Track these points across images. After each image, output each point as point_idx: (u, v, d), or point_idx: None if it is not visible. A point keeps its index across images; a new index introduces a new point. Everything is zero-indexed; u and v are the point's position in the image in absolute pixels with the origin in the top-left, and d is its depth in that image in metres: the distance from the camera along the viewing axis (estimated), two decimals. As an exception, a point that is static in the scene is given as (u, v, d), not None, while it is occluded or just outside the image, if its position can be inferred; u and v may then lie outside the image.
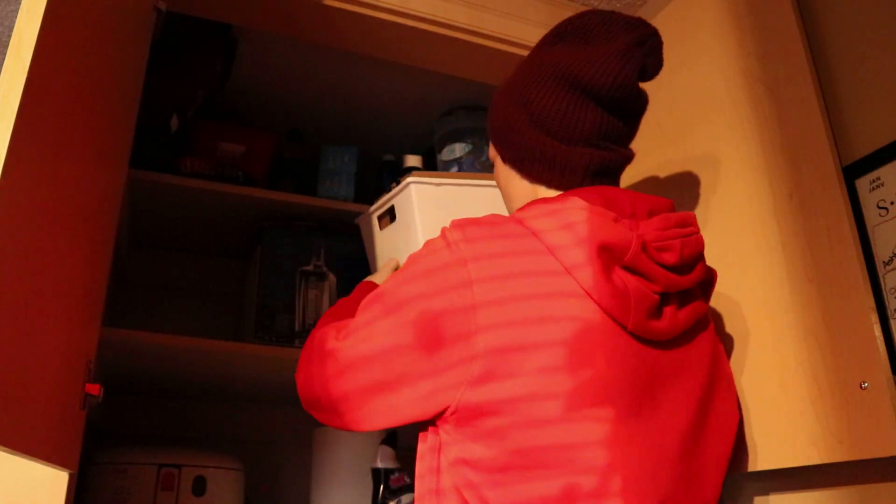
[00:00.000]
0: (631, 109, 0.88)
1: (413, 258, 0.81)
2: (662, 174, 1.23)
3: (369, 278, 1.13)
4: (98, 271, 0.86)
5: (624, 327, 0.77)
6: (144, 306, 1.62)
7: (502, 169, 0.94)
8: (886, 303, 0.87)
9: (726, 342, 1.04)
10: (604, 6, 1.52)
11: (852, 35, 0.97)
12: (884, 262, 0.89)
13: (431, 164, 1.67)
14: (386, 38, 1.35)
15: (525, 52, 1.41)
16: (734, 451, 0.99)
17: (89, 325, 0.84)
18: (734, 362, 1.02)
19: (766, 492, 1.03)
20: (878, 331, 0.85)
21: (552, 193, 0.88)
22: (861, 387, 0.84)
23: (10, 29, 1.48)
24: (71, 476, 0.92)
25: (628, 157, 0.90)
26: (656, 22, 1.30)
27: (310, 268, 1.41)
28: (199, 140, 1.45)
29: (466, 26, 1.35)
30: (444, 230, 0.79)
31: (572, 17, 0.90)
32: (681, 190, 1.18)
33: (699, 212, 1.13)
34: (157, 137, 1.32)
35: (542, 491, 0.71)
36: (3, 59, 0.54)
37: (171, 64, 1.33)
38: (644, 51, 0.86)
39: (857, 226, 0.91)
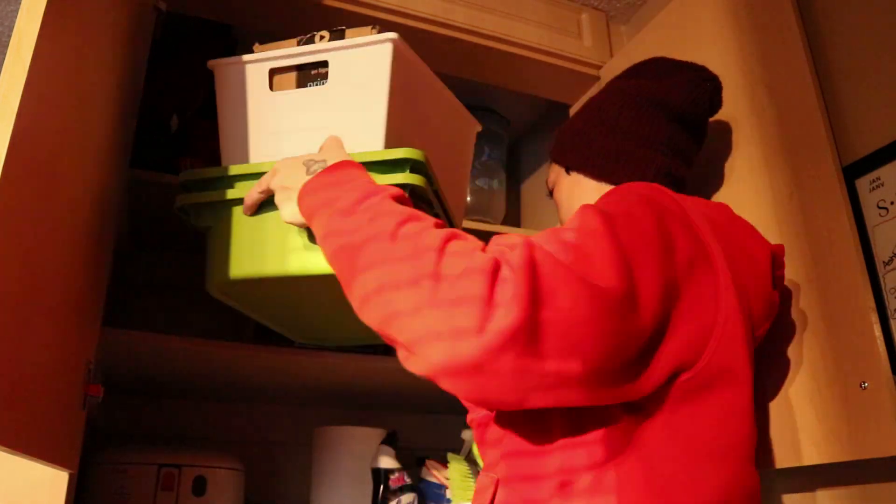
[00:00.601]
0: (697, 130, 0.99)
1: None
2: (662, 174, 1.23)
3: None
4: (98, 271, 0.86)
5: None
6: (144, 306, 1.62)
7: (567, 180, 0.99)
8: (886, 303, 0.87)
9: (726, 342, 1.04)
10: (603, 6, 1.52)
11: (852, 35, 0.97)
12: (884, 262, 0.89)
13: (431, 164, 1.67)
14: (386, 38, 1.35)
15: (525, 52, 1.42)
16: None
17: (89, 325, 0.84)
18: (734, 362, 1.02)
19: (766, 492, 1.03)
20: (878, 331, 0.85)
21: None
22: (861, 387, 0.84)
23: (10, 29, 1.48)
24: (71, 476, 0.92)
25: (682, 175, 0.96)
26: (656, 22, 1.30)
27: (310, 268, 1.41)
28: (199, 140, 1.45)
29: (466, 26, 1.35)
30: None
31: (644, 61, 1.04)
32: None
33: (699, 212, 1.13)
34: (157, 137, 1.32)
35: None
36: (4, 58, 0.54)
37: (171, 64, 1.33)
38: (714, 86, 1.00)
39: (857, 226, 0.91)
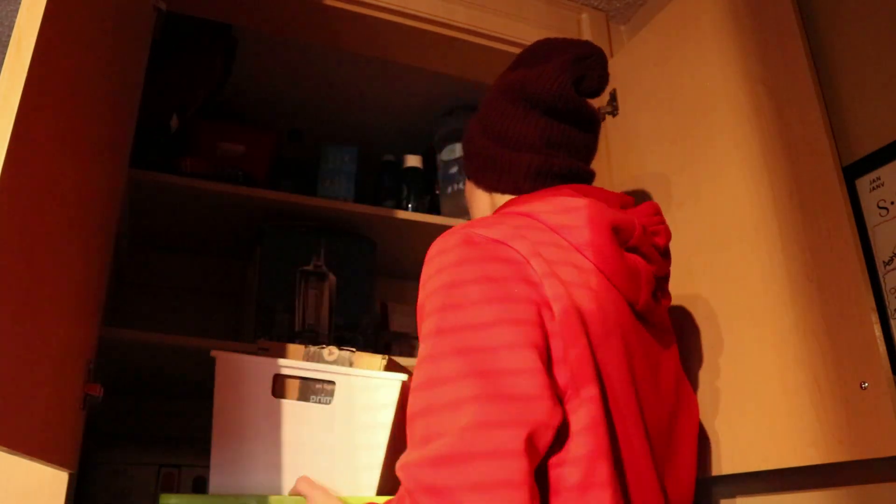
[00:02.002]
0: (572, 113, 0.91)
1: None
2: (662, 174, 1.23)
3: None
4: (98, 271, 0.86)
5: (633, 306, 0.80)
6: (144, 306, 1.62)
7: (468, 187, 0.99)
8: (886, 303, 0.87)
9: (726, 342, 1.04)
10: (603, 6, 1.52)
11: (852, 35, 0.97)
12: (884, 262, 0.89)
13: (431, 164, 1.67)
14: (386, 38, 1.35)
15: (525, 52, 1.41)
16: (734, 450, 0.99)
17: (89, 325, 0.84)
18: (734, 362, 1.02)
19: (766, 492, 1.03)
20: (878, 331, 0.85)
21: (506, 198, 0.92)
22: (861, 387, 0.84)
23: (10, 29, 1.48)
24: (71, 476, 0.92)
25: (581, 168, 0.92)
26: (656, 22, 1.30)
27: (310, 268, 1.41)
28: (199, 140, 1.45)
29: (466, 26, 1.35)
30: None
31: (528, 47, 0.99)
32: (681, 190, 1.18)
33: (699, 211, 1.13)
34: (157, 137, 1.32)
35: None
36: (4, 58, 0.54)
37: (171, 64, 1.33)
38: (585, 65, 0.93)
39: (857, 226, 0.91)
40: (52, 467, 0.75)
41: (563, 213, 0.78)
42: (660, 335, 0.87)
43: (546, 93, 0.89)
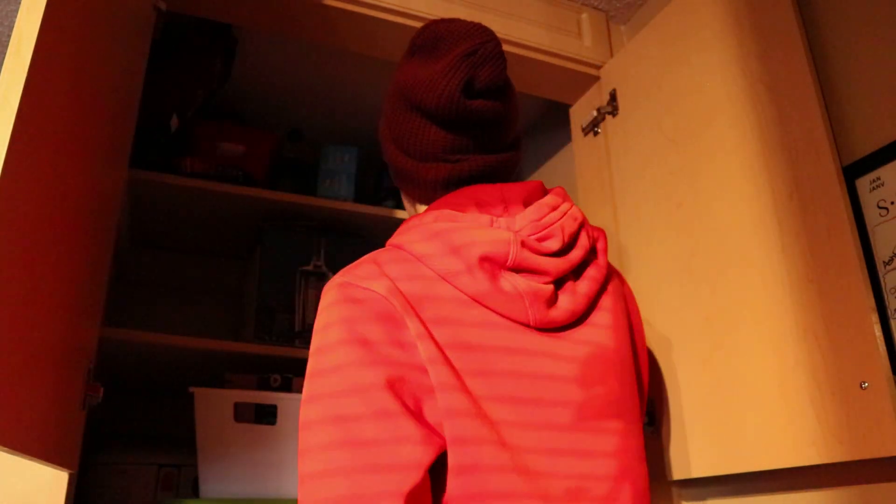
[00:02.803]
0: (470, 122, 0.84)
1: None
2: (662, 174, 1.23)
3: None
4: (98, 271, 0.86)
5: (525, 325, 0.78)
6: (144, 306, 1.62)
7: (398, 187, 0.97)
8: (886, 303, 0.87)
9: (726, 342, 1.04)
10: (603, 6, 1.52)
11: (852, 35, 0.97)
12: (884, 262, 0.89)
13: (431, 164, 1.66)
14: (386, 38, 1.35)
15: (525, 52, 1.41)
16: (734, 450, 0.99)
17: (89, 325, 0.84)
18: (734, 363, 1.02)
19: (766, 492, 1.03)
20: (878, 331, 0.85)
21: (424, 208, 0.90)
22: (861, 387, 0.84)
23: (10, 29, 1.48)
24: (71, 476, 0.92)
25: (490, 162, 0.87)
26: (656, 21, 1.30)
27: (310, 268, 1.41)
28: (199, 140, 1.45)
29: (466, 26, 1.35)
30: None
31: (421, 29, 0.88)
32: (680, 189, 1.18)
33: (699, 211, 1.13)
34: (157, 137, 1.32)
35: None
36: (3, 58, 0.54)
37: (171, 64, 1.33)
38: (473, 62, 0.82)
39: (857, 226, 0.91)
40: (52, 467, 0.75)
41: (427, 240, 0.77)
42: (587, 330, 0.82)
43: (434, 106, 0.82)
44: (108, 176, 0.88)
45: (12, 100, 0.52)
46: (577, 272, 0.85)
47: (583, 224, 0.87)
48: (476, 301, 0.75)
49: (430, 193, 0.87)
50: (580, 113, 1.53)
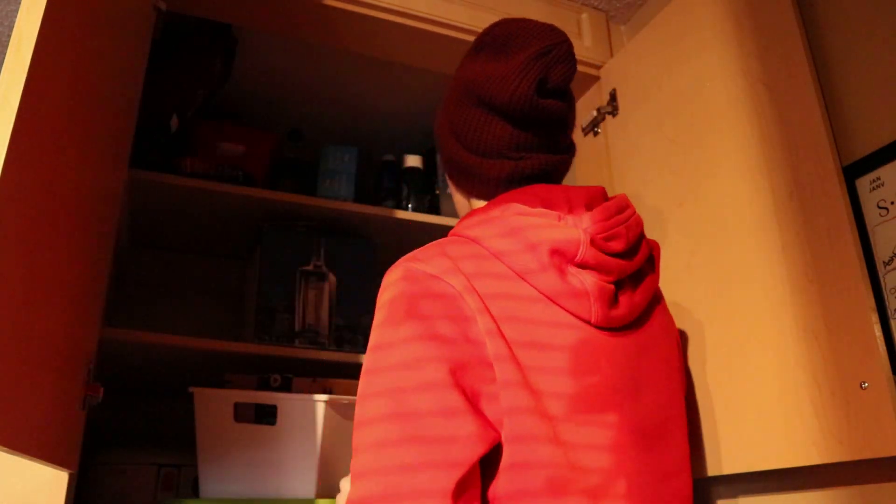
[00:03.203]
0: (538, 120, 0.86)
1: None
2: (662, 174, 1.23)
3: None
4: (98, 271, 0.86)
5: (587, 322, 0.79)
6: (144, 306, 1.62)
7: (450, 186, 0.97)
8: (886, 303, 0.87)
9: (726, 342, 1.04)
10: (603, 6, 1.52)
11: (852, 35, 0.97)
12: (884, 262, 0.89)
13: (431, 164, 1.67)
14: (386, 38, 1.35)
15: (525, 52, 1.41)
16: (734, 450, 0.99)
17: (89, 325, 0.84)
18: (734, 363, 1.02)
19: (766, 492, 1.03)
20: (878, 331, 0.85)
21: (482, 203, 0.91)
22: (861, 387, 0.84)
23: (10, 29, 1.48)
24: (71, 476, 0.92)
25: (552, 161, 0.89)
26: (656, 22, 1.30)
27: (310, 268, 1.41)
28: (199, 140, 1.45)
29: (466, 26, 1.35)
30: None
31: (490, 27, 0.90)
32: (681, 189, 1.18)
33: (699, 211, 1.13)
34: (157, 137, 1.32)
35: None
36: (4, 58, 0.54)
37: (171, 64, 1.33)
38: (547, 61, 0.85)
39: (857, 226, 0.91)
40: (52, 467, 0.75)
41: (505, 237, 0.78)
42: (639, 336, 0.84)
43: (506, 101, 0.83)
44: (108, 176, 0.88)
45: (12, 100, 0.52)
46: (633, 277, 0.87)
47: (642, 233, 0.89)
48: (548, 298, 0.77)
49: (490, 189, 0.88)
50: (580, 113, 1.53)
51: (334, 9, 1.27)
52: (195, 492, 1.27)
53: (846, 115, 0.96)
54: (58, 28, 0.59)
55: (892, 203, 0.89)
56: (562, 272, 0.77)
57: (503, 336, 0.72)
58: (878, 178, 0.91)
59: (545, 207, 0.83)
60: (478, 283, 0.74)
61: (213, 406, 1.15)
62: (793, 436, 0.91)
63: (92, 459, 1.27)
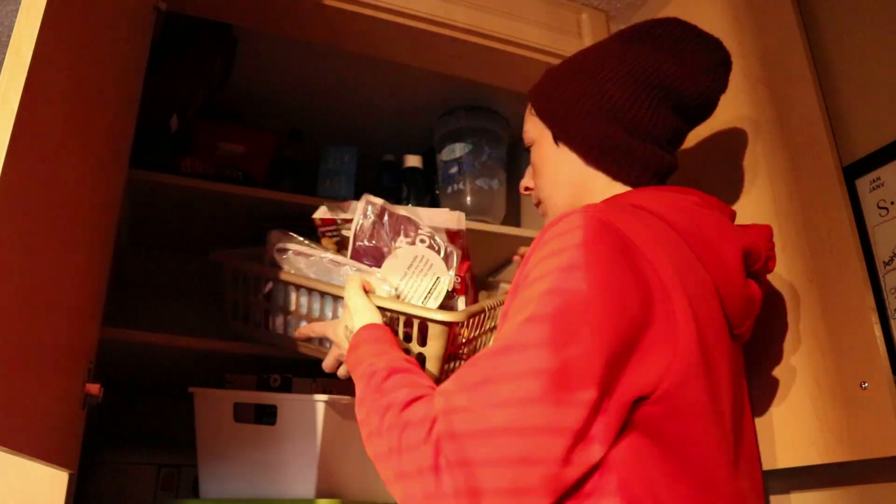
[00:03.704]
0: (699, 120, 0.91)
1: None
2: (662, 174, 1.23)
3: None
4: (98, 271, 0.86)
5: (731, 329, 0.78)
6: (144, 306, 1.62)
7: (552, 150, 0.91)
8: (886, 303, 0.87)
9: (726, 342, 1.04)
10: (603, 6, 1.52)
11: (852, 35, 0.97)
12: (884, 262, 0.89)
13: (431, 164, 1.66)
14: (386, 38, 1.35)
15: (525, 52, 1.41)
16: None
17: (89, 325, 0.84)
18: (734, 362, 1.02)
19: (765, 492, 1.02)
20: (878, 331, 0.85)
21: (615, 185, 0.87)
22: (861, 387, 0.84)
23: (10, 29, 1.48)
24: (71, 476, 0.92)
25: (677, 164, 0.91)
26: (656, 22, 1.30)
27: (310, 268, 1.41)
28: (199, 140, 1.45)
29: (466, 26, 1.35)
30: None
31: (655, 21, 0.91)
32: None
33: (699, 212, 1.13)
34: (157, 137, 1.32)
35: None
36: (4, 58, 0.54)
37: (171, 64, 1.33)
38: (725, 70, 0.90)
39: (857, 226, 0.91)
40: (52, 467, 0.75)
41: (699, 228, 0.76)
42: (739, 346, 0.84)
43: (693, 95, 0.86)
44: (108, 176, 0.88)
45: (12, 100, 0.52)
46: None
47: None
48: (718, 294, 0.75)
49: (640, 175, 0.86)
50: (580, 113, 1.53)
51: (334, 9, 1.26)
52: (195, 492, 1.27)
53: (846, 115, 0.96)
54: (58, 28, 0.59)
55: (892, 203, 0.89)
56: (742, 276, 0.77)
57: (694, 318, 0.69)
58: (878, 178, 0.91)
59: (706, 210, 0.81)
60: (674, 257, 0.72)
61: (213, 406, 1.14)
62: (793, 436, 0.91)
63: (92, 459, 1.27)
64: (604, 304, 0.64)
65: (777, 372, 0.95)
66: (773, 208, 1.00)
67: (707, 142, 1.14)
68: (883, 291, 0.88)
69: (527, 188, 0.99)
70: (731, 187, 1.08)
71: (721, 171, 1.10)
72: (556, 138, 0.91)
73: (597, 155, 0.87)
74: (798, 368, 0.92)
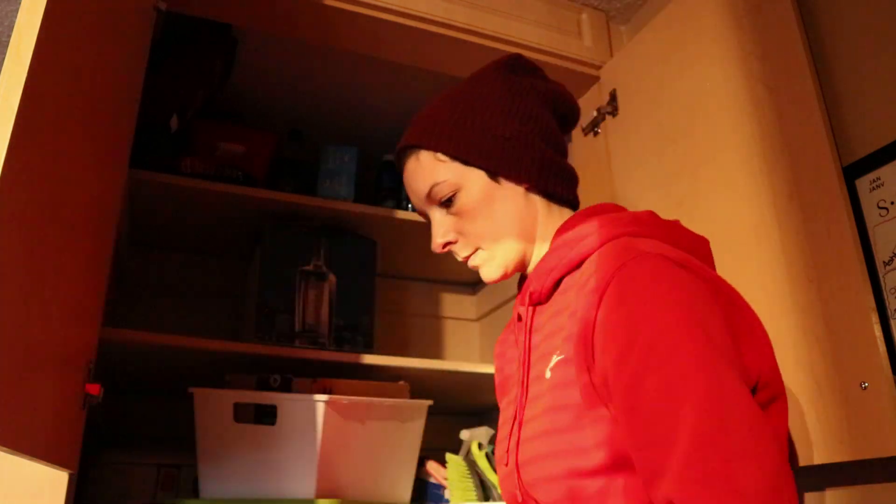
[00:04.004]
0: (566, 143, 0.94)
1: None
2: (662, 174, 1.23)
3: None
4: (98, 271, 0.86)
5: None
6: (144, 306, 1.62)
7: (490, 189, 0.85)
8: (886, 303, 0.87)
9: (726, 342, 1.04)
10: (603, 6, 1.52)
11: (852, 35, 0.97)
12: (884, 262, 0.89)
13: (431, 164, 1.66)
14: (386, 38, 1.35)
15: (525, 52, 1.41)
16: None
17: (89, 325, 0.84)
18: (734, 362, 1.02)
19: (766, 492, 1.02)
20: (878, 331, 0.85)
21: (552, 208, 0.87)
22: (861, 387, 0.84)
23: (10, 29, 1.48)
24: (71, 476, 0.92)
25: None
26: (656, 22, 1.30)
27: (310, 268, 1.41)
28: (199, 140, 1.45)
29: (466, 26, 1.35)
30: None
31: (514, 56, 0.93)
32: (680, 189, 1.18)
33: (699, 211, 1.13)
34: (157, 137, 1.32)
35: None
36: (4, 58, 0.54)
37: (171, 64, 1.33)
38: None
39: (857, 226, 0.91)
40: (52, 467, 0.75)
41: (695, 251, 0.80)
42: None
43: (576, 110, 0.93)
44: (108, 176, 0.88)
45: (12, 100, 0.52)
46: None
47: None
48: None
49: (573, 192, 0.89)
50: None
51: (334, 9, 1.27)
52: (195, 492, 1.27)
53: (846, 115, 0.96)
54: (58, 28, 0.59)
55: (892, 203, 0.89)
56: None
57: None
58: (878, 178, 0.91)
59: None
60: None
61: (213, 406, 1.14)
62: (793, 436, 0.91)
63: (92, 459, 1.27)
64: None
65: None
66: (773, 208, 1.00)
67: (707, 142, 1.14)
68: (883, 291, 0.88)
69: (448, 243, 0.87)
70: (731, 188, 1.08)
71: (721, 171, 1.10)
72: (495, 174, 0.84)
73: (544, 179, 0.85)
74: (798, 368, 0.92)
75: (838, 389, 0.87)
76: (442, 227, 0.87)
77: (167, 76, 1.32)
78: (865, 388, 0.84)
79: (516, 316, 0.87)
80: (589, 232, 0.78)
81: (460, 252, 0.87)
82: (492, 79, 0.90)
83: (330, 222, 1.49)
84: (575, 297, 0.73)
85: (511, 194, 0.85)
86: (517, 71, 0.91)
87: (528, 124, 0.85)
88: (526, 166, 0.84)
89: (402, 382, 1.31)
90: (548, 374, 0.74)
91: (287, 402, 1.12)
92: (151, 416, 1.52)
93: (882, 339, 0.84)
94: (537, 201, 0.86)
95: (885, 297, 0.88)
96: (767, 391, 0.71)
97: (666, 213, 1.20)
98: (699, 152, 1.15)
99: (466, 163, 0.84)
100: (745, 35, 1.10)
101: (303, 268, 1.40)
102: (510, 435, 0.79)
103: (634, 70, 1.35)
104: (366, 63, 1.50)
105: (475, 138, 0.84)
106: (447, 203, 0.86)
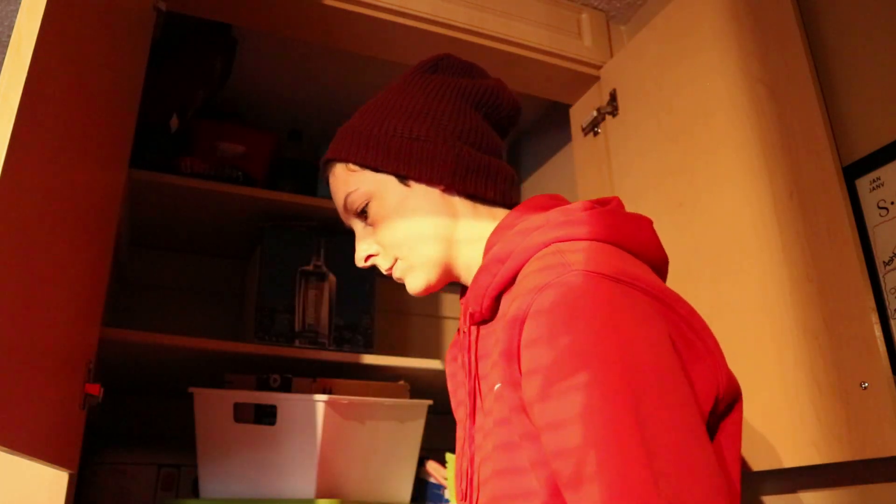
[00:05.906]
0: (506, 136, 0.90)
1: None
2: (662, 174, 1.23)
3: None
4: (98, 271, 0.86)
5: None
6: (144, 306, 1.62)
7: (402, 194, 0.81)
8: (886, 303, 0.87)
9: (726, 343, 1.03)
10: (603, 6, 1.52)
11: (852, 35, 0.97)
12: (884, 262, 0.89)
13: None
14: (386, 38, 1.35)
15: (525, 52, 1.41)
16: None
17: (89, 325, 0.84)
18: (734, 363, 1.02)
19: (766, 492, 1.03)
20: (878, 331, 0.85)
21: (478, 208, 0.82)
22: (861, 387, 0.84)
23: (10, 29, 1.48)
24: (71, 476, 0.92)
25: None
26: (656, 22, 1.30)
27: (310, 268, 1.41)
28: (199, 140, 1.45)
29: (466, 26, 1.35)
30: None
31: (440, 56, 0.90)
32: (680, 189, 1.18)
33: (699, 211, 1.13)
34: (157, 137, 1.32)
35: None
36: (4, 58, 0.54)
37: (171, 64, 1.33)
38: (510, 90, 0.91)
39: (857, 226, 0.91)
40: (52, 467, 0.75)
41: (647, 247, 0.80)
42: None
43: (506, 107, 0.86)
44: (108, 176, 0.88)
45: (12, 100, 0.52)
46: None
47: None
48: None
49: (507, 193, 0.83)
50: (580, 113, 1.53)
51: (334, 9, 1.27)
52: (195, 492, 1.27)
53: (846, 115, 0.96)
54: (58, 28, 0.59)
55: (892, 203, 0.89)
56: None
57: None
58: (878, 178, 0.91)
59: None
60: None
61: (213, 406, 1.14)
62: (793, 436, 0.91)
63: (92, 459, 1.27)
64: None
65: (777, 372, 0.95)
66: (773, 208, 1.00)
67: (707, 142, 1.14)
68: (883, 291, 0.88)
69: (369, 256, 0.84)
70: (731, 187, 1.08)
71: (721, 171, 1.10)
72: (406, 177, 0.81)
73: (460, 178, 0.80)
74: (798, 368, 0.92)
75: (838, 389, 0.87)
76: (363, 241, 0.84)
77: (167, 76, 1.32)
78: (865, 387, 0.84)
79: (459, 332, 0.82)
80: (516, 243, 0.73)
81: (381, 264, 0.83)
82: (408, 82, 0.87)
83: (330, 222, 1.49)
84: (502, 325, 0.68)
85: (425, 198, 0.81)
86: (439, 70, 0.88)
87: (444, 124, 0.81)
88: (438, 167, 0.80)
89: (401, 382, 1.31)
90: (492, 407, 0.70)
91: (287, 402, 1.12)
92: (151, 416, 1.52)
93: (882, 339, 0.84)
94: (458, 203, 0.81)
95: (885, 297, 0.88)
96: (726, 399, 0.70)
97: (666, 213, 1.20)
98: (699, 152, 1.15)
99: (377, 170, 0.81)
100: (745, 35, 1.10)
101: (302, 268, 1.40)
102: (466, 473, 0.76)
103: (634, 70, 1.35)
104: (366, 63, 1.50)
105: (382, 143, 0.82)
106: (363, 214, 0.82)
